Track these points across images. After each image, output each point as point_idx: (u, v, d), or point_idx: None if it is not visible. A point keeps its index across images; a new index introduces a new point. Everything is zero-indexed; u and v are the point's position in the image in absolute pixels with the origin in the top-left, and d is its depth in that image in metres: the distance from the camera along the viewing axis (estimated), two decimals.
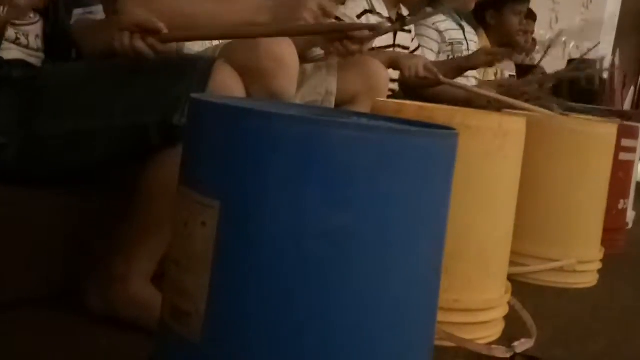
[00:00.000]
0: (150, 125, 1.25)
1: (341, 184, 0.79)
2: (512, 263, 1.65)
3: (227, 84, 1.30)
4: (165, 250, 1.19)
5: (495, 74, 3.63)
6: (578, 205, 2.03)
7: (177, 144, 1.17)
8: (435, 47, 2.92)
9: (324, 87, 1.88)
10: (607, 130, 2.09)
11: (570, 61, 6.55)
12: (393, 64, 2.27)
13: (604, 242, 2.23)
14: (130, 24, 1.27)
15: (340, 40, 1.79)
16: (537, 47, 6.28)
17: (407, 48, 2.59)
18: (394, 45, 2.49)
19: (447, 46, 2.95)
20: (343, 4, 2.35)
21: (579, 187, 2.03)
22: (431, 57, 2.88)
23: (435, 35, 2.93)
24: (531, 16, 4.14)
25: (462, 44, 3.01)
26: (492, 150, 1.45)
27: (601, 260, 2.13)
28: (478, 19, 3.34)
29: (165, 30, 1.26)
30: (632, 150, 2.62)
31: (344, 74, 1.91)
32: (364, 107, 1.91)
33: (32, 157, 1.33)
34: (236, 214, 0.79)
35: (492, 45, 3.45)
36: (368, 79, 1.92)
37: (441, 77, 2.33)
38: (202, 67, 1.27)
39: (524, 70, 5.73)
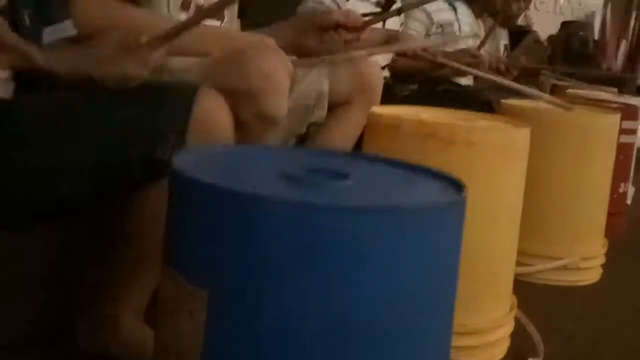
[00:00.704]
0: (132, 160, 1.16)
1: (336, 268, 0.71)
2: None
3: (213, 113, 1.22)
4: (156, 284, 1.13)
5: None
6: (580, 201, 1.98)
7: (162, 177, 1.10)
8: (420, 28, 2.80)
9: (316, 89, 1.79)
10: (609, 121, 2.02)
11: (564, 23, 6.46)
12: (391, 40, 2.16)
13: (605, 228, 2.18)
14: (115, 41, 1.18)
15: (334, 29, 1.72)
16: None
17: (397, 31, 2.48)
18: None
19: (436, 28, 2.83)
20: None
21: (581, 182, 1.97)
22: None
23: (421, 15, 2.80)
24: None
25: (453, 26, 2.90)
26: (497, 166, 1.38)
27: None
28: None
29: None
30: (633, 132, 2.55)
31: (336, 73, 1.82)
32: (358, 108, 1.83)
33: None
34: (226, 305, 0.72)
35: (475, 14, 3.35)
36: (361, 78, 1.82)
37: (439, 57, 2.22)
38: (185, 95, 1.18)
39: (518, 35, 5.65)
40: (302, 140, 1.84)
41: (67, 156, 1.18)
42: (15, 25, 1.21)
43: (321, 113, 1.80)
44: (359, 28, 1.70)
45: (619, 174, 2.53)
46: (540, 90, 4.01)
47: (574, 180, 1.96)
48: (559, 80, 4.16)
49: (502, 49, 3.98)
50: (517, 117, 1.97)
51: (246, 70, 1.33)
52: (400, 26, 2.59)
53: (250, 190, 0.74)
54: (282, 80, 1.36)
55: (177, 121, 1.16)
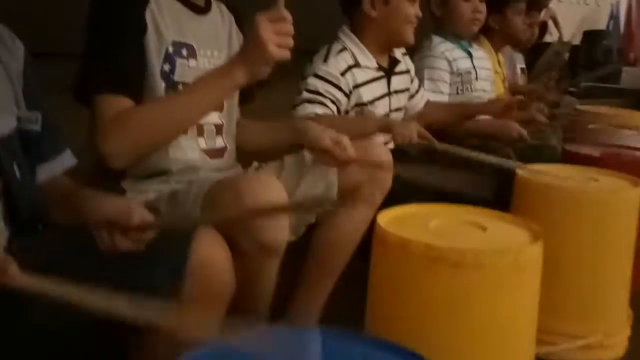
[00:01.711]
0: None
1: None
2: (537, 341, 1.55)
3: (210, 259, 1.20)
4: None
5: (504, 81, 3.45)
6: (601, 279, 1.91)
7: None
8: (447, 77, 2.74)
9: (324, 180, 1.75)
10: (629, 196, 1.94)
11: (586, 33, 6.32)
12: (384, 131, 2.11)
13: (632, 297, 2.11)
14: (105, 222, 1.14)
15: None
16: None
17: (405, 90, 2.41)
18: (389, 94, 2.31)
19: (456, 77, 2.77)
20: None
21: (601, 259, 1.90)
22: (445, 89, 2.72)
23: (445, 65, 2.74)
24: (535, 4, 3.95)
25: (471, 73, 2.84)
26: (509, 287, 1.33)
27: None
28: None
29: (141, 221, 1.13)
30: None
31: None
32: (367, 198, 1.79)
33: None
34: None
35: (495, 48, 3.30)
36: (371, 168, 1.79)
37: (436, 143, 2.16)
38: (180, 247, 1.15)
39: (538, 48, 5.55)
40: (311, 227, 1.81)
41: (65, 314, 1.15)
42: (6, 185, 1.19)
43: (330, 202, 1.76)
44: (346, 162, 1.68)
45: None
46: (561, 117, 3.96)
47: (594, 257, 1.89)
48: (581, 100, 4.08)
49: (519, 72, 3.90)
50: (532, 196, 1.94)
51: (242, 202, 1.29)
52: (412, 82, 2.50)
53: None
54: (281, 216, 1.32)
55: (172, 277, 1.13)
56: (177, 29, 1.58)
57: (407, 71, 2.39)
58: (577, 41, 10.56)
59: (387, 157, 1.82)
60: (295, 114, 2.09)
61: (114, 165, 1.43)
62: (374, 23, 2.20)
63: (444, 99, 2.69)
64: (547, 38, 10.67)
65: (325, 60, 2.16)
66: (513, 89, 3.48)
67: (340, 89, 2.14)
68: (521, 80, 3.97)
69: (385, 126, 2.08)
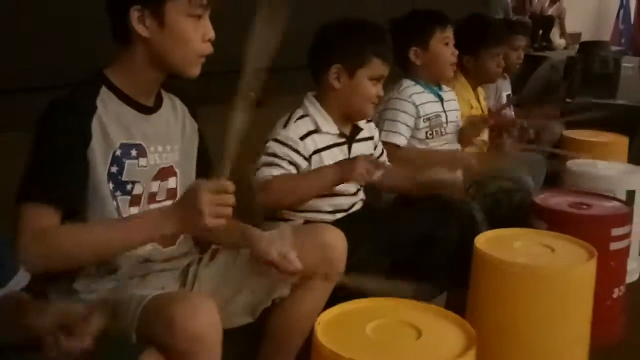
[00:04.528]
0: None
1: None
2: None
3: None
4: None
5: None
6: (563, 346, 1.95)
7: None
8: (410, 121, 2.76)
9: None
10: (582, 270, 1.97)
11: (582, 44, 6.29)
12: (343, 177, 2.13)
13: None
14: (50, 326, 1.20)
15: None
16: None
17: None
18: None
19: (424, 121, 2.80)
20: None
21: (560, 329, 1.94)
22: (404, 132, 2.74)
23: (410, 108, 2.77)
24: (521, 32, 3.96)
25: (440, 117, 2.86)
26: None
27: None
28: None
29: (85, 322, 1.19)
30: (625, 237, 2.50)
31: (299, 246, 1.82)
32: (321, 282, 1.84)
33: None
34: None
35: (472, 85, 3.33)
36: (324, 251, 1.83)
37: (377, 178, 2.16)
38: None
39: (534, 60, 5.53)
40: (268, 310, 1.86)
41: None
42: None
43: (285, 289, 1.82)
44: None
45: (612, 281, 2.50)
46: (550, 140, 3.98)
47: (551, 328, 1.93)
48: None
49: (504, 99, 3.89)
50: (488, 270, 1.98)
51: (173, 331, 1.35)
52: (375, 149, 2.46)
53: None
54: (214, 342, 1.38)
55: None
56: (125, 132, 1.63)
57: (371, 137, 2.42)
58: (587, 35, 10.46)
59: (339, 241, 1.86)
60: (256, 178, 2.14)
61: (32, 273, 1.47)
62: (336, 94, 2.24)
63: (400, 140, 2.70)
64: (554, 33, 10.56)
65: (286, 125, 2.21)
66: (496, 120, 3.49)
67: (298, 152, 2.18)
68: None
69: (342, 171, 2.12)
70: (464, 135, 3.01)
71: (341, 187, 2.21)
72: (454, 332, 1.51)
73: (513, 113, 3.84)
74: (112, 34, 1.65)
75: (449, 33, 2.83)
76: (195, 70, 1.66)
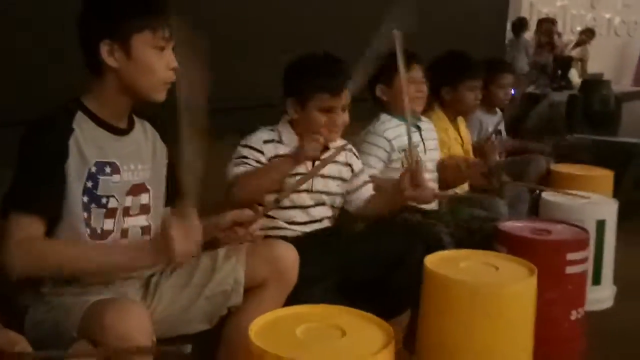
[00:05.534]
0: None
1: None
2: None
3: None
4: None
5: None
6: None
7: None
8: (383, 155, 2.93)
9: (233, 277, 1.97)
10: (521, 286, 2.09)
11: (584, 82, 6.42)
12: (296, 160, 2.40)
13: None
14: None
15: (230, 228, 1.95)
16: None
17: (337, 179, 2.59)
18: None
19: (399, 153, 2.94)
20: None
21: (500, 345, 2.04)
22: (376, 164, 2.90)
23: (383, 142, 2.94)
24: (507, 70, 4.10)
25: (418, 146, 3.01)
26: None
27: None
28: (433, 94, 3.32)
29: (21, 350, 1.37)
30: (582, 261, 2.61)
31: (251, 260, 1.99)
32: (273, 291, 2.00)
33: None
34: None
35: (449, 117, 3.47)
36: (277, 263, 2.00)
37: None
38: None
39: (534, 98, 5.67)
40: (224, 319, 2.02)
41: None
42: None
43: (238, 298, 1.98)
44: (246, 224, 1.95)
45: (569, 303, 2.61)
46: (537, 173, 4.09)
47: (490, 344, 2.03)
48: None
49: (490, 134, 3.96)
50: (435, 286, 2.11)
51: (103, 331, 1.53)
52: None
53: None
54: (142, 339, 1.54)
55: None
56: (100, 151, 1.83)
57: (347, 164, 2.61)
58: (609, 76, 10.52)
59: (290, 252, 2.03)
60: (227, 177, 2.42)
61: (13, 278, 1.67)
62: (297, 123, 2.52)
63: (372, 172, 2.84)
64: (572, 73, 10.61)
65: (253, 133, 2.50)
66: (481, 154, 3.62)
67: (262, 153, 2.45)
68: (497, 141, 4.02)
69: (295, 157, 2.40)
70: (457, 173, 3.17)
71: (297, 200, 2.47)
72: (374, 332, 1.66)
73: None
74: (85, 65, 1.86)
75: (415, 72, 2.98)
76: (161, 96, 1.87)
